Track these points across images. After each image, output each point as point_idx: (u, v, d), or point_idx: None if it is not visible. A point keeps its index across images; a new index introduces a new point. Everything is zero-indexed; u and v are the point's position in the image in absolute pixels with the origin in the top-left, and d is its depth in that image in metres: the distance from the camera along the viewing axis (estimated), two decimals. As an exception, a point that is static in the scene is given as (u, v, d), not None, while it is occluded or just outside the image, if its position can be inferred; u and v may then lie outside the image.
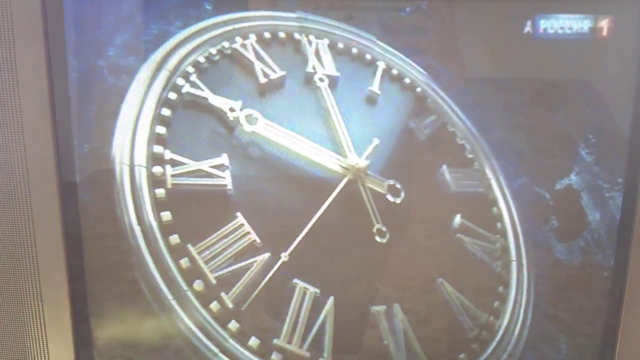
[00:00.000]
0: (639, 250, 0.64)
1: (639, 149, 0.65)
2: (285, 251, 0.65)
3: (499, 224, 0.69)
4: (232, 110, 0.65)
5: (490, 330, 0.69)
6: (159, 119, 0.64)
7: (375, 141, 0.66)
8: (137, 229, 0.63)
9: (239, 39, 0.65)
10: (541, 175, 0.67)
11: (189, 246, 0.64)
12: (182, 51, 0.64)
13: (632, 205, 0.64)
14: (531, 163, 0.67)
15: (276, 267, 0.65)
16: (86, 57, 0.62)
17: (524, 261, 0.69)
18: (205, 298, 0.64)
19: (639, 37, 0.63)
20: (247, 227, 0.65)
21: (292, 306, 0.66)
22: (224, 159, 0.65)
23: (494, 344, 0.69)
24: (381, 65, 0.67)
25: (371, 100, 0.67)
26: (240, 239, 0.65)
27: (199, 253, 0.64)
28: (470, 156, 0.68)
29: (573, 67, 0.66)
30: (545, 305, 0.69)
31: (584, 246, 0.68)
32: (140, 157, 0.63)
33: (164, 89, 0.64)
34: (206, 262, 0.64)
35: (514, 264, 0.69)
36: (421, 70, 0.66)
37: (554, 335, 0.69)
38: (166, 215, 0.64)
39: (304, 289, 0.66)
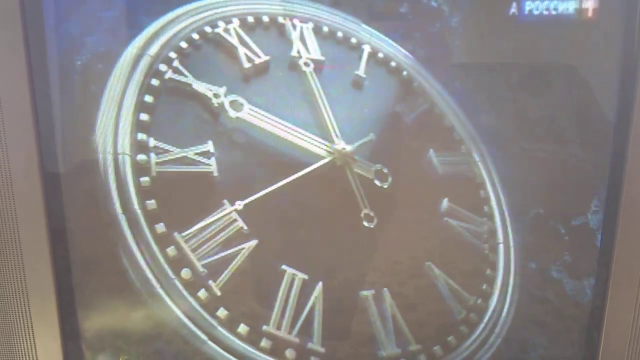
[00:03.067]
0: (625, 230, 0.64)
1: (623, 135, 0.65)
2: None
3: (486, 207, 0.69)
4: (216, 96, 0.64)
5: (478, 312, 0.69)
6: (141, 106, 0.63)
7: (371, 136, 0.66)
8: (122, 218, 0.62)
9: (221, 24, 0.64)
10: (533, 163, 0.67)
11: (176, 234, 0.64)
12: (164, 36, 0.63)
13: (619, 177, 0.64)
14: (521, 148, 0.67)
15: (227, 211, 0.64)
16: (66, 44, 0.61)
17: (511, 243, 0.69)
18: (193, 286, 0.64)
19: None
20: (234, 215, 0.64)
21: (280, 292, 0.66)
22: (209, 145, 0.64)
23: (482, 325, 0.69)
24: (367, 49, 0.67)
25: (357, 84, 0.67)
26: (227, 226, 0.65)
27: (185, 241, 0.64)
28: (457, 139, 0.68)
29: (558, 50, 0.66)
30: (531, 287, 0.70)
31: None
32: (124, 145, 0.62)
33: (146, 75, 0.63)
34: (193, 250, 0.64)
35: (501, 247, 0.69)
36: (407, 53, 0.66)
37: (540, 316, 0.70)
38: (151, 204, 0.63)
39: (292, 275, 0.66)
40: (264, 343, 0.66)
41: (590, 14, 0.63)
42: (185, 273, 0.64)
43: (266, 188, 0.65)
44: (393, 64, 0.67)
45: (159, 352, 0.66)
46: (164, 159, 0.63)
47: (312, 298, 0.66)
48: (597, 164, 0.67)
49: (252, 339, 0.65)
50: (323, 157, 0.66)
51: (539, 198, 0.68)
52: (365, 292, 0.67)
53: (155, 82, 0.63)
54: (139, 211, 0.62)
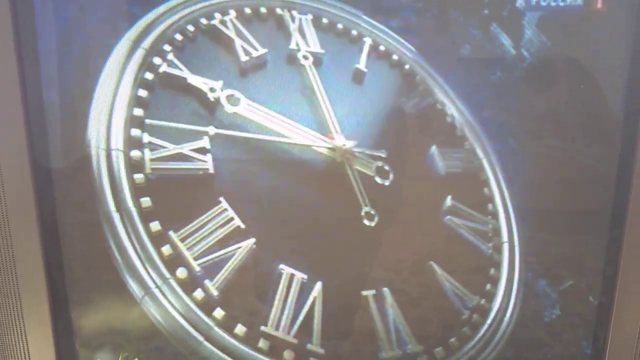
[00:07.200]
0: (633, 227, 0.63)
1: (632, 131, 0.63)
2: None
3: (490, 205, 0.68)
4: (212, 90, 0.62)
5: (482, 313, 0.68)
6: (135, 101, 0.61)
7: (383, 152, 0.65)
8: (115, 216, 0.61)
9: (217, 15, 0.62)
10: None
11: (171, 233, 0.62)
12: (158, 28, 0.61)
13: (628, 175, 0.62)
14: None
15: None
16: (57, 35, 0.59)
17: (516, 242, 0.68)
18: (189, 286, 0.63)
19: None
20: (230, 212, 0.63)
21: (278, 292, 0.64)
22: (205, 141, 0.62)
23: (485, 326, 0.68)
24: (368, 42, 0.65)
25: (358, 78, 0.65)
26: (224, 224, 0.63)
27: (181, 240, 0.63)
28: (460, 135, 0.66)
29: (565, 44, 0.64)
30: (536, 285, 0.68)
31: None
32: (117, 141, 0.61)
33: (140, 68, 0.61)
34: (189, 249, 0.63)
35: (505, 246, 0.68)
36: (409, 46, 0.64)
37: (545, 315, 0.69)
38: (146, 201, 0.62)
39: (290, 275, 0.64)
40: (262, 344, 0.64)
41: (599, 5, 0.62)
42: (181, 272, 0.63)
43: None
44: (395, 57, 0.65)
45: (159, 349, 0.65)
46: (159, 155, 0.62)
47: (311, 298, 0.65)
48: (605, 160, 0.65)
49: (250, 339, 0.64)
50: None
51: (543, 195, 0.66)
52: (365, 292, 0.66)
53: (149, 75, 0.61)
54: (133, 209, 0.61)
